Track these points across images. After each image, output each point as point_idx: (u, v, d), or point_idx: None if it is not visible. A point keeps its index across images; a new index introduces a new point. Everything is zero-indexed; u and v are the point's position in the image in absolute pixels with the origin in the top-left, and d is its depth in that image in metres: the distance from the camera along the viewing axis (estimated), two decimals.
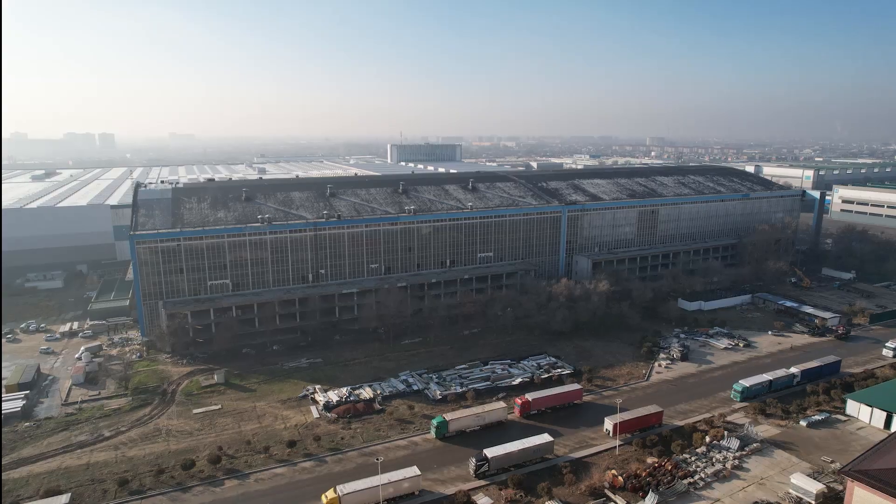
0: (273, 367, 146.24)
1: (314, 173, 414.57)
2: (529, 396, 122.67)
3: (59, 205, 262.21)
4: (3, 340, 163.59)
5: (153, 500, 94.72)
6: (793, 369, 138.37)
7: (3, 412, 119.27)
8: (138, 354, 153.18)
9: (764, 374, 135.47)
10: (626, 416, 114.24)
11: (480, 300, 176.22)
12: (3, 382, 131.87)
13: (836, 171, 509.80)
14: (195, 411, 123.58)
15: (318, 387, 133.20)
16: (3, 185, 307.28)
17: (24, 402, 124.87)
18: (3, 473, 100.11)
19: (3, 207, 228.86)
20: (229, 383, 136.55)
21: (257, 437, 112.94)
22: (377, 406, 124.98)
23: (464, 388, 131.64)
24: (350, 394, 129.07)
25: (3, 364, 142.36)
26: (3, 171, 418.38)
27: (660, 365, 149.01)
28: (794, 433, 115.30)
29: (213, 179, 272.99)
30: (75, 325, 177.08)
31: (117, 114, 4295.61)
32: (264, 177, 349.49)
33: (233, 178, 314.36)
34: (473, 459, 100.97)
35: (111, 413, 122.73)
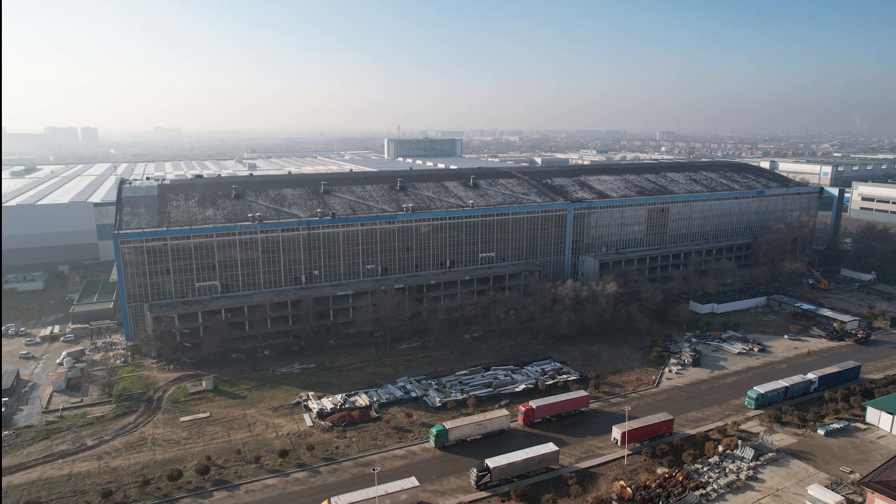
0: (264, 373, 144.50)
1: (307, 169, 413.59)
2: (533, 404, 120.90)
3: (39, 202, 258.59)
4: None
5: None
6: (810, 375, 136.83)
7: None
8: (123, 359, 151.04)
9: (779, 381, 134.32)
10: (635, 424, 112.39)
11: (482, 302, 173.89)
12: None
13: (855, 167, 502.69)
14: (182, 419, 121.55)
15: (311, 393, 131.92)
16: None
17: (2, 409, 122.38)
18: None
19: None
20: (218, 390, 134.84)
21: (248, 446, 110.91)
22: (373, 414, 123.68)
23: (464, 395, 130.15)
24: (345, 401, 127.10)
25: None
26: None
27: (670, 371, 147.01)
28: (812, 442, 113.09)
29: (202, 176, 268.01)
30: (56, 328, 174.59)
31: (101, 107, 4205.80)
32: (255, 173, 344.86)
33: (222, 175, 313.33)
34: (475, 470, 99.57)
35: (94, 421, 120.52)
